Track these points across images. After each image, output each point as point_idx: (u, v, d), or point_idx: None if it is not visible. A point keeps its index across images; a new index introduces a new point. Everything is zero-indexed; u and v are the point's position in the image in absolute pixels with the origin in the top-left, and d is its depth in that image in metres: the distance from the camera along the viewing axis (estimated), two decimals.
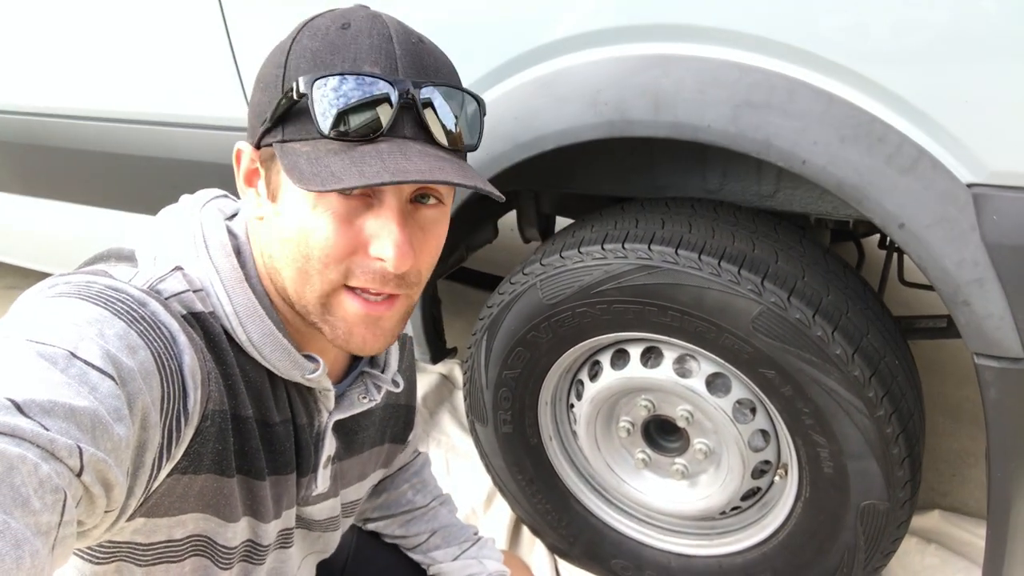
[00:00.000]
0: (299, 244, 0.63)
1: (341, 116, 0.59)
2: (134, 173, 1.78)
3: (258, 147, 0.66)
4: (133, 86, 1.68)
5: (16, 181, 2.08)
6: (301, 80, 0.60)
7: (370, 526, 1.13)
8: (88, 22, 1.66)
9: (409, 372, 0.93)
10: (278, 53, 0.65)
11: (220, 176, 1.63)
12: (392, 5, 1.27)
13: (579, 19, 1.14)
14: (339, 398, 0.77)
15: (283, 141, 0.62)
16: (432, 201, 0.67)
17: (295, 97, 0.60)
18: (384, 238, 0.61)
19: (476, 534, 1.17)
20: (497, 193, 0.63)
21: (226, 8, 1.45)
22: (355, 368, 0.81)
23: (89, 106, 1.78)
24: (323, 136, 0.60)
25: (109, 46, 1.66)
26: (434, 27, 1.26)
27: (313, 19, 0.65)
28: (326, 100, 0.59)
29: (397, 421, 0.93)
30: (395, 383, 0.82)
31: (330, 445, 0.78)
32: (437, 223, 0.69)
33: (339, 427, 0.81)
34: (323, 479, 0.80)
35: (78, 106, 1.79)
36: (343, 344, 0.67)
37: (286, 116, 0.62)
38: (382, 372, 0.81)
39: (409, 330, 0.96)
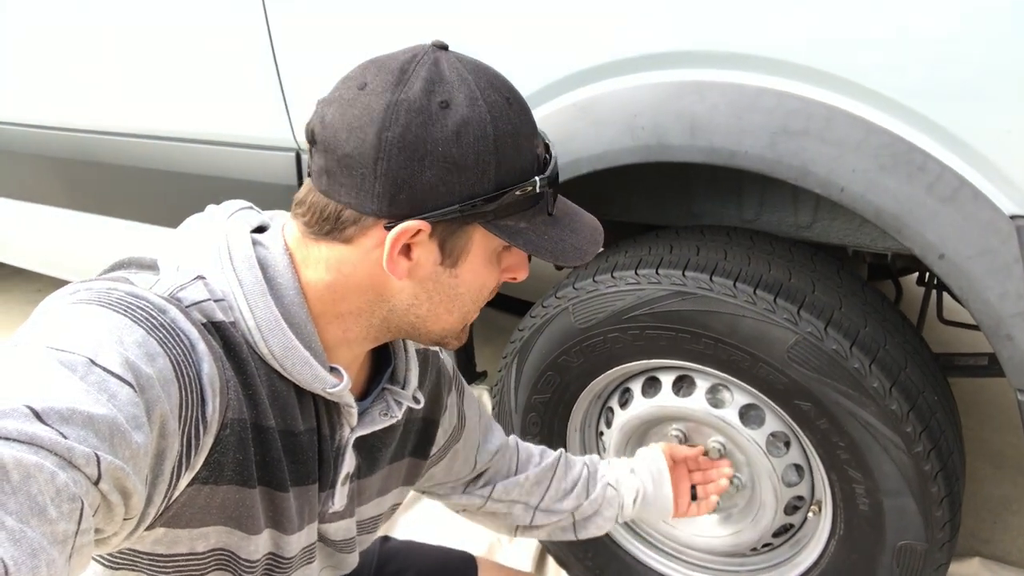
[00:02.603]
0: (475, 300, 0.73)
1: (551, 194, 0.70)
2: (178, 190, 1.82)
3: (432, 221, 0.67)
4: (181, 107, 1.73)
5: (65, 196, 2.14)
6: (538, 181, 0.67)
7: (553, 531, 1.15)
8: (136, 43, 1.71)
9: (433, 387, 0.92)
10: (483, 141, 0.64)
11: (260, 194, 1.67)
12: (434, 30, 1.30)
13: (618, 46, 1.15)
14: (361, 415, 0.77)
15: (492, 220, 0.67)
16: None
17: (536, 192, 0.67)
18: (525, 268, 0.76)
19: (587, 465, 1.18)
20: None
21: (273, 30, 1.49)
22: (376, 384, 0.81)
23: (138, 125, 1.83)
24: (539, 212, 0.69)
25: (160, 67, 1.71)
26: (473, 53, 1.28)
27: (487, 96, 0.65)
28: (545, 186, 0.68)
29: (418, 435, 0.92)
30: (416, 400, 0.81)
31: (350, 462, 0.78)
32: None
33: (361, 444, 0.80)
34: (340, 497, 0.79)
35: (126, 125, 1.85)
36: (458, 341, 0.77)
37: (513, 207, 0.67)
38: (403, 388, 0.80)
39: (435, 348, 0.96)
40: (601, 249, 0.75)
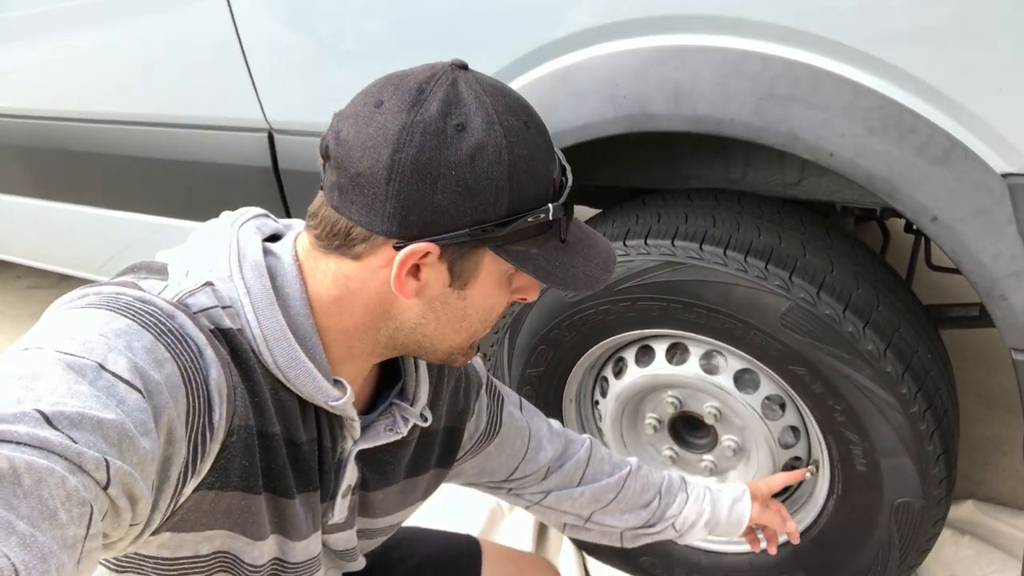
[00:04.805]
0: (482, 319, 0.72)
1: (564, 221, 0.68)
2: (149, 175, 1.78)
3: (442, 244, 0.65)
4: (148, 89, 1.67)
5: (34, 185, 2.09)
6: (551, 208, 0.65)
7: (637, 539, 1.12)
8: (104, 27, 1.65)
9: (454, 395, 0.90)
10: (497, 165, 0.62)
11: (234, 176, 1.63)
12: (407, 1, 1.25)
13: (595, 12, 1.12)
14: (365, 428, 0.76)
15: (503, 245, 0.65)
16: None
17: (549, 219, 0.65)
18: (536, 290, 0.75)
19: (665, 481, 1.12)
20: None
21: (235, 7, 1.44)
22: (384, 399, 0.80)
23: (106, 109, 1.77)
24: (551, 238, 0.67)
25: (124, 51, 1.65)
26: (449, 22, 1.25)
27: (504, 119, 0.63)
28: (559, 213, 0.66)
29: (442, 446, 0.90)
30: (423, 417, 0.80)
31: (351, 475, 0.77)
32: None
33: (367, 457, 0.79)
34: (340, 509, 0.78)
35: (94, 109, 1.80)
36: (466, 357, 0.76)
37: (524, 232, 0.66)
38: (411, 405, 0.79)
39: None
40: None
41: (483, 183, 0.61)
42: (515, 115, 0.64)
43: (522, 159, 0.63)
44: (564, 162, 0.70)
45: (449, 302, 0.69)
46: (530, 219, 0.64)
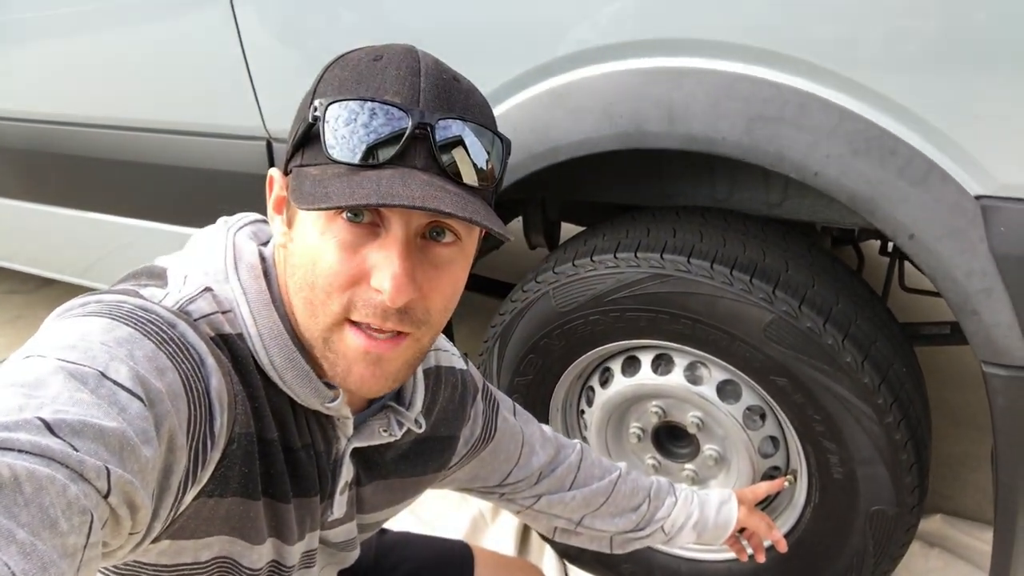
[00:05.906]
0: (306, 272, 0.63)
1: (347, 140, 0.59)
2: (147, 181, 1.79)
3: (286, 173, 0.66)
4: (148, 95, 1.69)
5: (27, 188, 2.09)
6: (317, 103, 0.60)
7: (628, 545, 1.13)
8: (104, 32, 1.67)
9: (449, 403, 0.90)
10: (314, 82, 0.65)
11: (232, 183, 1.65)
12: (407, 16, 1.29)
13: (593, 33, 1.16)
14: (359, 426, 0.76)
15: (301, 166, 0.63)
16: (448, 239, 0.64)
17: (310, 120, 0.60)
18: (383, 269, 0.60)
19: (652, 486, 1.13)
20: (501, 231, 0.61)
21: (239, 17, 1.47)
22: (378, 400, 0.79)
23: (103, 114, 1.79)
24: (330, 160, 0.60)
25: (125, 56, 1.67)
26: (448, 40, 1.28)
27: (350, 51, 0.65)
28: (335, 123, 0.59)
29: (438, 453, 0.91)
30: (418, 423, 0.80)
31: (347, 472, 0.78)
32: (453, 263, 0.66)
33: (358, 454, 0.80)
34: (339, 505, 0.79)
35: (92, 114, 1.81)
36: (340, 381, 0.66)
37: (305, 140, 0.63)
38: (407, 409, 0.79)
39: (458, 363, 0.94)
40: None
41: (302, 101, 0.64)
42: (379, 52, 0.63)
43: (336, 78, 0.63)
44: (432, 119, 0.60)
45: (289, 248, 0.66)
46: (302, 125, 0.62)
